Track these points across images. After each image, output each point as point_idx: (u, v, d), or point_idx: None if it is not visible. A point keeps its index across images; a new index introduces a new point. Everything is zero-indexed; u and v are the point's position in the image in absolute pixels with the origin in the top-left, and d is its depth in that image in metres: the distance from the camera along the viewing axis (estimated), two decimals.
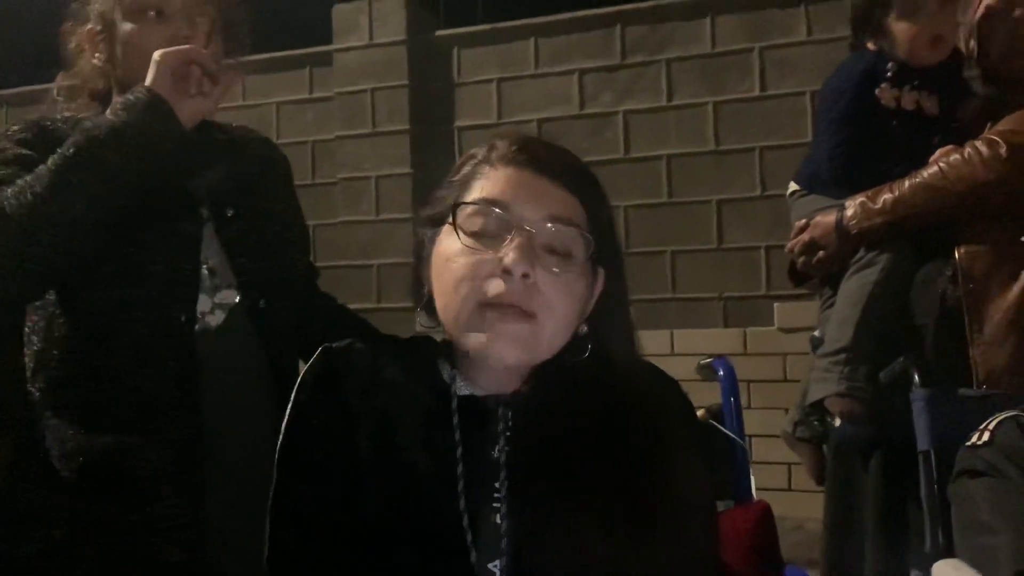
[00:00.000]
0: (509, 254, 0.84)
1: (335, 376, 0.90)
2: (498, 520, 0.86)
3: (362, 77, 4.36)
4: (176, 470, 1.14)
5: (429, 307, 0.92)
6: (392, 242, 4.19)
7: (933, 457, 1.41)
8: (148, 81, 1.13)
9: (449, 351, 0.93)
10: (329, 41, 4.48)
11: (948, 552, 1.33)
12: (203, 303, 1.21)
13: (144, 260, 1.17)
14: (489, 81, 4.24)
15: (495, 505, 0.86)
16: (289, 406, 0.90)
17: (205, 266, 1.22)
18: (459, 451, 0.87)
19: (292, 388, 0.90)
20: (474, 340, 0.86)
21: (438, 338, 0.94)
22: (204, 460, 1.16)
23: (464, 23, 4.38)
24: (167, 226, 1.19)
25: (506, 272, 0.84)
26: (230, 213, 1.25)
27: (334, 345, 0.92)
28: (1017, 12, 1.70)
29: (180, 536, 1.13)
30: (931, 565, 1.29)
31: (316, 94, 4.56)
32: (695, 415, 1.00)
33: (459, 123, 4.27)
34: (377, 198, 4.33)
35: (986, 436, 1.30)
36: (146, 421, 1.15)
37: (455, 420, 0.88)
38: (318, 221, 4.34)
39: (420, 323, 0.95)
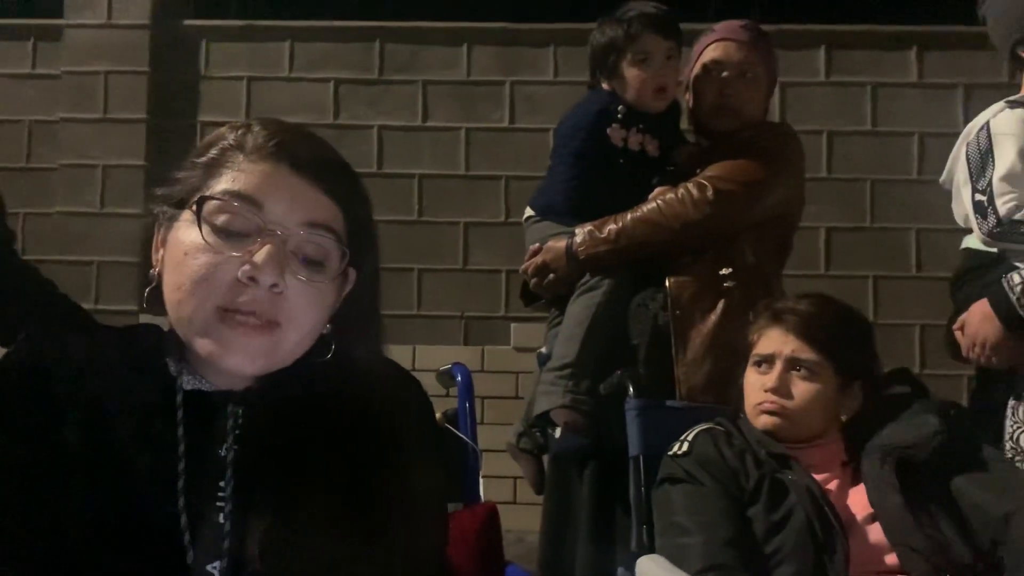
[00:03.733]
0: (258, 260, 0.79)
1: (41, 362, 0.82)
2: (221, 520, 0.82)
3: (96, 58, 3.99)
4: None
5: (155, 294, 0.85)
6: (118, 238, 3.86)
7: (642, 462, 1.56)
8: None
9: (177, 342, 0.86)
10: (60, 14, 4.06)
11: (651, 550, 1.47)
12: None
13: None
14: (239, 79, 4.06)
15: (219, 505, 0.82)
16: None
17: None
18: (181, 448, 0.82)
19: None
20: (206, 347, 0.80)
21: (165, 327, 0.88)
22: None
23: (213, 15, 4.16)
24: None
25: (251, 280, 0.79)
26: None
27: (42, 328, 0.84)
28: (725, 74, 1.95)
29: None
30: (636, 561, 1.42)
31: (40, 70, 4.10)
32: (434, 417, 1.00)
33: (203, 118, 4.04)
34: (103, 189, 3.96)
35: (685, 447, 1.46)
36: None
37: (179, 415, 0.83)
38: (31, 209, 3.87)
39: (146, 307, 0.87)
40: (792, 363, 1.46)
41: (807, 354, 1.45)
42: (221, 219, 0.81)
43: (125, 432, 0.81)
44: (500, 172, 3.98)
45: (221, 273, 0.79)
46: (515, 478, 3.25)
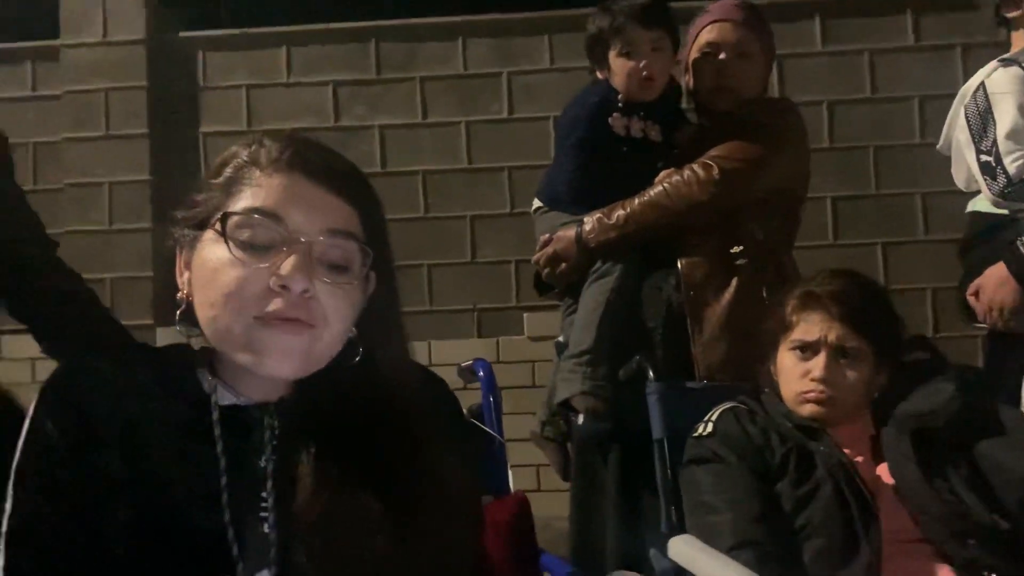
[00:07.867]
0: (286, 269, 0.81)
1: (80, 387, 0.84)
2: (266, 530, 0.84)
3: (94, 76, 4.01)
4: None
5: (187, 314, 0.87)
6: (127, 254, 3.89)
7: (666, 445, 1.57)
8: None
9: (209, 360, 0.89)
10: (56, 35, 4.08)
11: (681, 530, 1.49)
12: None
13: None
14: (238, 87, 4.08)
15: (263, 515, 0.84)
16: (27, 419, 0.82)
17: None
18: (222, 463, 0.84)
19: None
20: (245, 356, 0.83)
21: (196, 346, 0.91)
22: None
23: (206, 26, 4.17)
24: None
25: (283, 288, 0.81)
26: None
27: (80, 354, 0.86)
28: (722, 55, 1.96)
29: None
30: (667, 542, 1.44)
31: (40, 92, 4.12)
32: (462, 413, 1.03)
33: (204, 128, 4.05)
34: (110, 206, 3.99)
35: (709, 428, 1.47)
36: None
37: (217, 431, 0.85)
38: None
39: (179, 330, 0.90)
40: (838, 351, 1.43)
41: (853, 341, 1.42)
42: (245, 234, 0.83)
43: (166, 451, 0.83)
44: (502, 163, 3.99)
45: (251, 285, 0.82)
46: (537, 466, 3.29)
